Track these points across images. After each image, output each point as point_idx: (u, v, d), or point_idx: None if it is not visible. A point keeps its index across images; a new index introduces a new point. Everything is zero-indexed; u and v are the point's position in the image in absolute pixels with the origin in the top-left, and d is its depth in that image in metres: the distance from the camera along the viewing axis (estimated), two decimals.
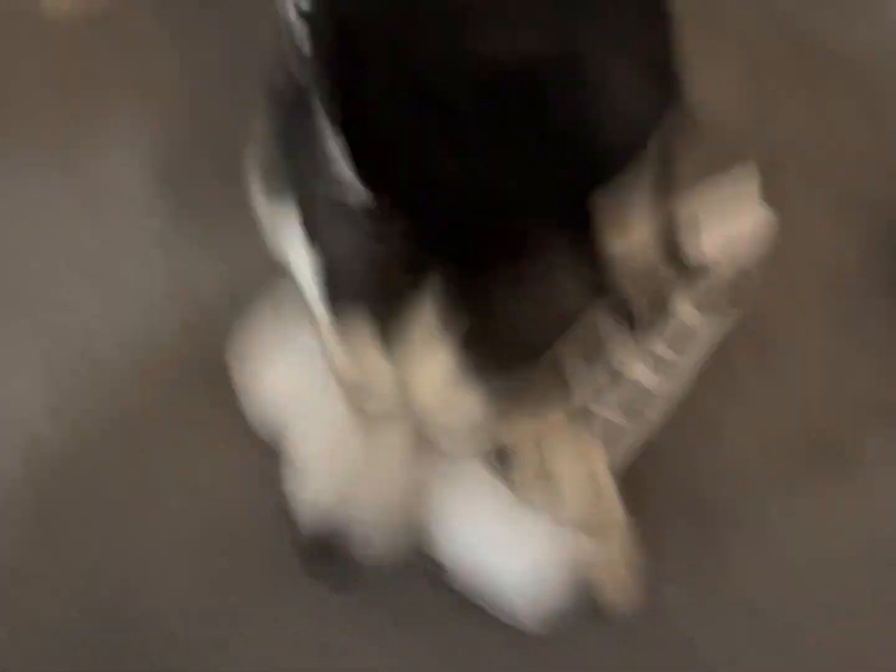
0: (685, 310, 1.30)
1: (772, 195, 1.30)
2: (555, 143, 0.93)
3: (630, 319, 1.03)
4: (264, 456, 1.22)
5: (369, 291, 0.95)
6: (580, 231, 0.93)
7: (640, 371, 1.30)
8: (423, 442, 1.00)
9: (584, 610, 1.18)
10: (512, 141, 0.93)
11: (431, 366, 0.93)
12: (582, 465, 1.20)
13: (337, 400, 1.04)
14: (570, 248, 0.94)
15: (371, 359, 0.96)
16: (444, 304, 0.92)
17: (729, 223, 1.31)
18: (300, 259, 1.01)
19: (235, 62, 1.50)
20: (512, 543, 1.13)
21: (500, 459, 1.16)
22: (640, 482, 1.21)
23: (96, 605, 1.22)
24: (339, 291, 0.98)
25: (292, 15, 0.95)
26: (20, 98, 1.51)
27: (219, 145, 1.46)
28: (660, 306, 1.09)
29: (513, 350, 0.95)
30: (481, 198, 0.92)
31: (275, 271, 1.16)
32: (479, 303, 0.93)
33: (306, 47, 0.94)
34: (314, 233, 0.99)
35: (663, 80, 0.93)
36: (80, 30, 1.57)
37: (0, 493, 1.26)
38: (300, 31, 0.95)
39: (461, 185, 0.93)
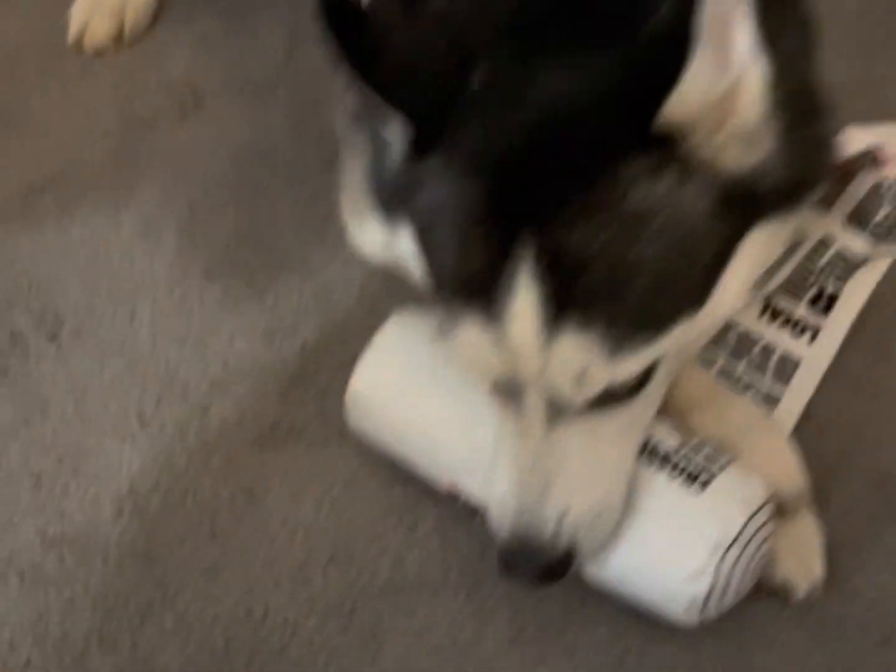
0: (846, 236, 1.16)
1: None
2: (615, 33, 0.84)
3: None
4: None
5: (468, 262, 0.89)
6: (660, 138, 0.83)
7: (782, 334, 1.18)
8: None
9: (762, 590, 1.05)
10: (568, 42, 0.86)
11: (528, 318, 0.86)
12: (758, 432, 1.08)
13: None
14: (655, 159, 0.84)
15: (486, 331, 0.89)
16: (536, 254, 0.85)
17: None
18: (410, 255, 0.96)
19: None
20: (680, 529, 1.00)
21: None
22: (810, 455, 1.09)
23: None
24: (445, 272, 0.92)
25: None
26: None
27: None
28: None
29: (616, 288, 0.85)
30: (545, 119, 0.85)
31: None
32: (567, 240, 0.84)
33: None
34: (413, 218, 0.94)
35: None
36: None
37: (107, 536, 1.20)
38: None
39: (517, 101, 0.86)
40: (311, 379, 1.29)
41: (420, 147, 0.89)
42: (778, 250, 0.94)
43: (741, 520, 0.99)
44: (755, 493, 1.01)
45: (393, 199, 0.95)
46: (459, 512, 1.12)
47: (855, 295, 1.20)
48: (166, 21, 1.68)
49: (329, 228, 1.32)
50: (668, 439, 1.03)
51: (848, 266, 1.19)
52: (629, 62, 0.83)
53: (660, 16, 0.82)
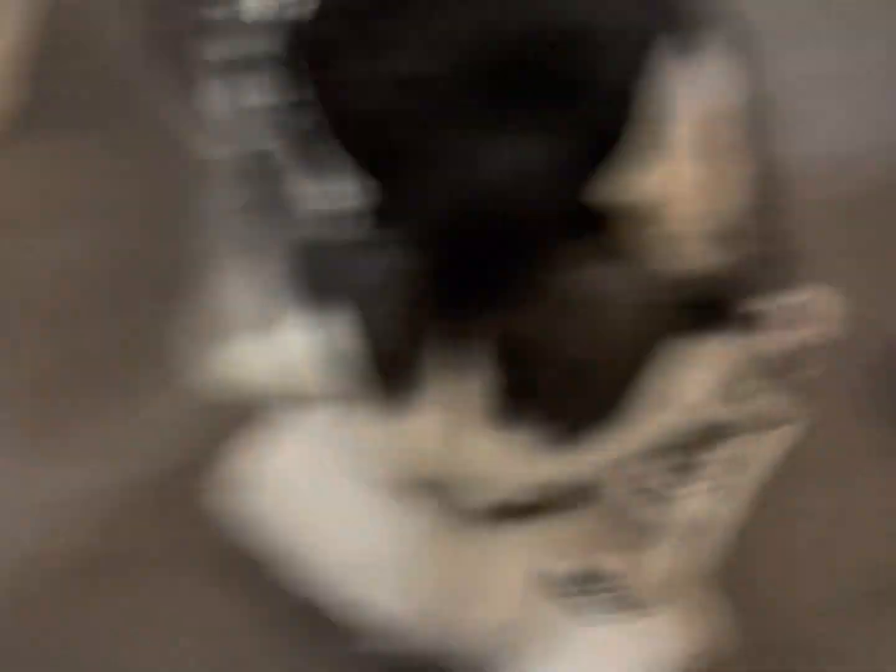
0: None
1: None
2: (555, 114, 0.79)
3: None
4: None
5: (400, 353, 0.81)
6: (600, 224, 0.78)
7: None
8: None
9: None
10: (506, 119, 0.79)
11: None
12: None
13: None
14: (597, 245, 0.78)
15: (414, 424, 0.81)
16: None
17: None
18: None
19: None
20: None
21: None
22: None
23: None
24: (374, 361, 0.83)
25: None
26: None
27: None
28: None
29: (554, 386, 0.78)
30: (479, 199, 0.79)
31: None
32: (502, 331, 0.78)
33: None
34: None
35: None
36: None
37: None
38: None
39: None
40: (142, 511, 1.17)
41: (373, 211, 0.80)
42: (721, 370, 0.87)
43: None
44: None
45: (320, 282, 0.85)
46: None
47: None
48: (15, 137, 1.52)
49: (162, 357, 1.22)
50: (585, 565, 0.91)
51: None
52: (573, 134, 0.77)
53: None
